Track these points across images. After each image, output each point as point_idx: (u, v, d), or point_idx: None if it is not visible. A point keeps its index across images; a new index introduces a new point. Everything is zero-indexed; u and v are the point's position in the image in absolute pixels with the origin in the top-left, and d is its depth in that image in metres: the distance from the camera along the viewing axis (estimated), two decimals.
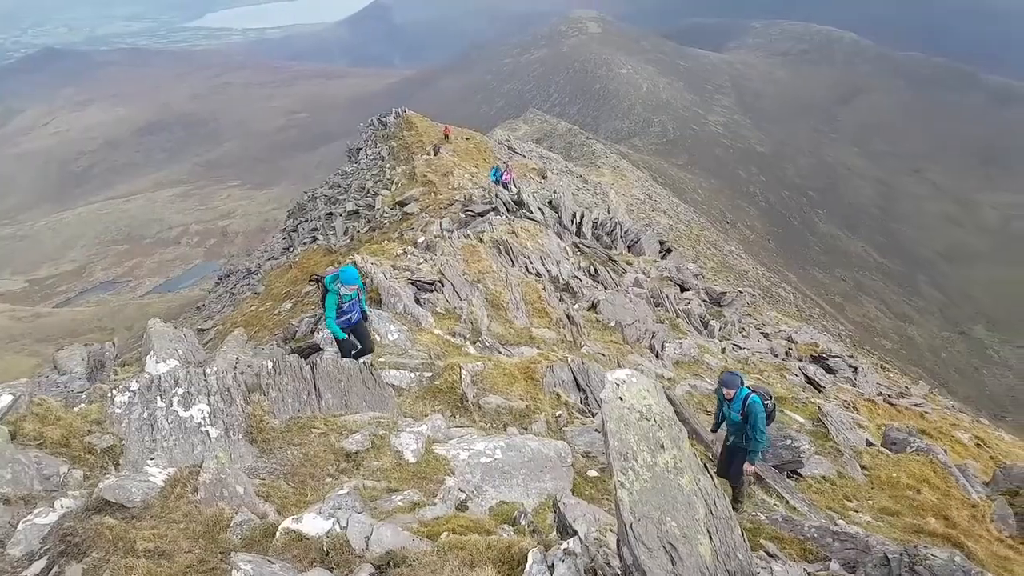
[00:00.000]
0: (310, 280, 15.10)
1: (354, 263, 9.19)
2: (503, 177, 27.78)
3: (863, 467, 11.40)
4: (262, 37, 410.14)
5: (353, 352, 9.39)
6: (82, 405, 6.74)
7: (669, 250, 29.68)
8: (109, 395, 6.30)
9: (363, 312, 9.54)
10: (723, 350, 18.58)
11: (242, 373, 7.29)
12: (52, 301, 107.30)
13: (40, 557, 4.36)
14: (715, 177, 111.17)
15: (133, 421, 6.06)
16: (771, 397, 8.40)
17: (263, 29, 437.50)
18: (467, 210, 25.20)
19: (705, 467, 4.09)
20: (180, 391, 6.35)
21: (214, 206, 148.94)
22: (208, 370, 6.77)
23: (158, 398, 6.26)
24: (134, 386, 6.28)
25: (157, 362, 7.62)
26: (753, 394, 7.91)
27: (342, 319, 9.09)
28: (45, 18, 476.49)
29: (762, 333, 23.52)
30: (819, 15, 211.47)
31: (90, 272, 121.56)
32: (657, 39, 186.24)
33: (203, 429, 6.31)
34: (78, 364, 8.13)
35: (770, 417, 8.17)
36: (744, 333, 22.12)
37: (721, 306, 23.74)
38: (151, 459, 5.43)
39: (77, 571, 4.01)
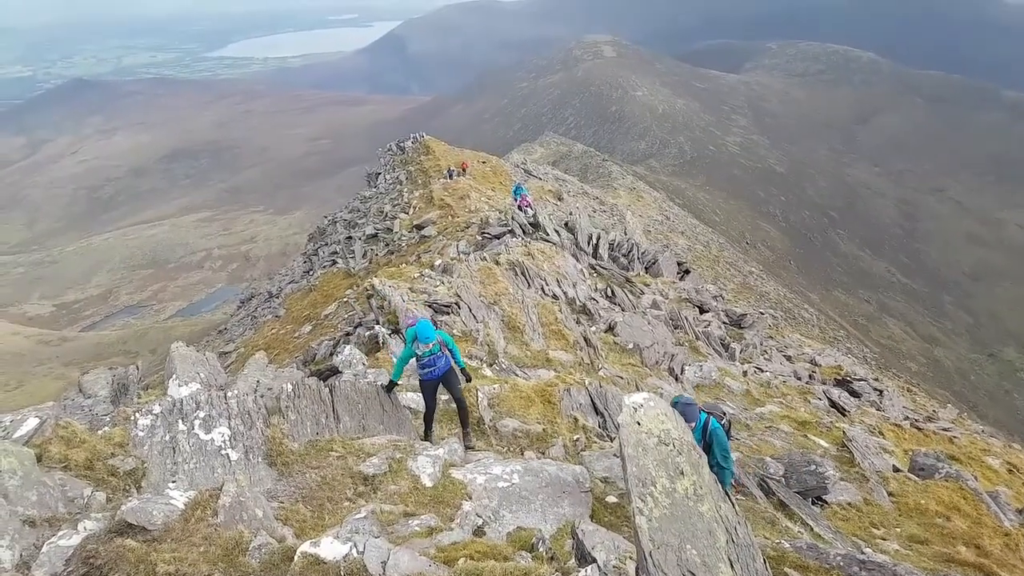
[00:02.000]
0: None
1: (427, 318, 8.10)
2: (519, 201, 27.88)
3: (890, 493, 11.13)
4: (283, 66, 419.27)
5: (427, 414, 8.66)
6: (106, 428, 6.83)
7: (687, 271, 29.50)
8: (132, 418, 6.38)
9: (454, 364, 8.41)
10: (744, 373, 18.35)
11: (262, 396, 7.36)
12: (78, 325, 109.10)
13: None
14: (733, 197, 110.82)
15: (155, 444, 6.13)
16: (725, 415, 8.03)
17: (284, 58, 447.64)
18: (484, 232, 25.34)
19: (726, 494, 4.03)
20: (201, 414, 6.42)
21: (237, 231, 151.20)
22: (229, 393, 6.84)
23: (180, 421, 6.33)
24: (156, 409, 6.36)
25: (179, 385, 7.71)
26: (711, 418, 7.45)
27: (424, 372, 8.29)
28: (74, 50, 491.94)
29: (784, 356, 23.21)
30: (836, 35, 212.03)
31: (115, 296, 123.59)
32: (672, 61, 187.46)
33: (223, 452, 6.37)
34: (103, 387, 8.25)
35: (727, 434, 7.81)
36: (766, 356, 21.85)
37: (742, 328, 23.49)
38: (172, 482, 5.48)
39: None
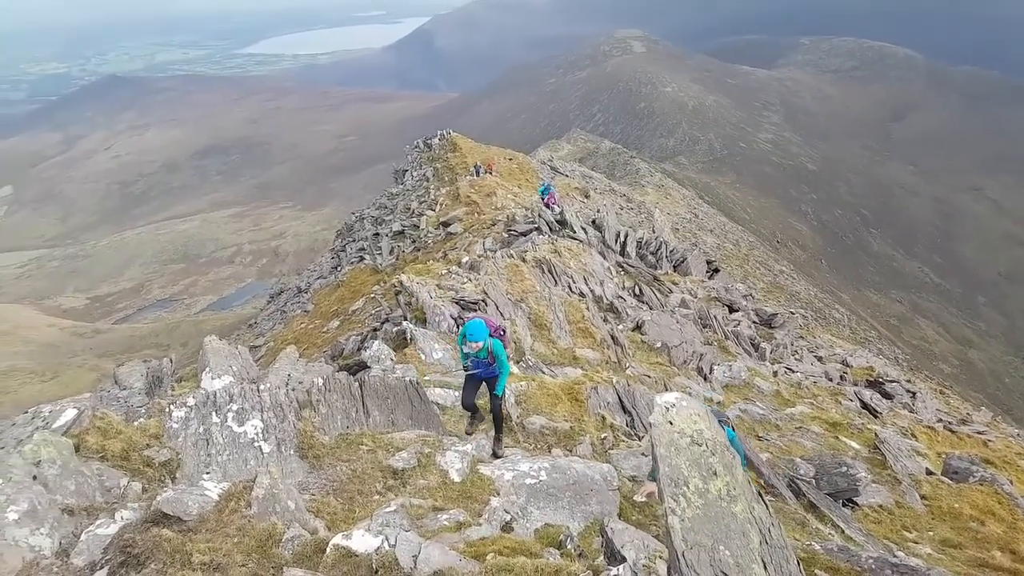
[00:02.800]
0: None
1: (480, 318, 7.51)
2: (547, 199, 27.77)
3: (923, 497, 10.92)
4: (312, 63, 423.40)
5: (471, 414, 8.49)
6: (141, 420, 6.96)
7: (717, 270, 29.16)
8: (167, 410, 6.50)
9: (499, 370, 7.95)
10: (775, 373, 18.12)
11: (293, 390, 7.44)
12: (112, 318, 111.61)
13: (101, 567, 4.50)
14: (764, 195, 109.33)
15: (189, 436, 6.24)
16: (728, 420, 7.99)
17: (313, 55, 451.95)
18: (510, 230, 25.33)
19: (759, 495, 3.98)
20: (235, 407, 6.52)
21: (267, 227, 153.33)
22: (261, 386, 6.94)
23: (213, 413, 6.43)
24: (191, 402, 6.48)
25: (212, 378, 7.83)
26: (726, 426, 7.34)
27: (468, 366, 8.16)
28: (108, 47, 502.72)
29: (815, 356, 22.86)
30: (870, 31, 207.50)
31: (148, 290, 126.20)
32: (703, 57, 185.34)
33: (256, 444, 6.46)
34: (138, 379, 8.42)
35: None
36: (797, 356, 21.54)
37: (772, 328, 23.18)
38: (206, 473, 5.58)
39: None
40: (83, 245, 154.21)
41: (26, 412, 6.56)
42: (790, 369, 19.32)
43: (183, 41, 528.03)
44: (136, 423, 6.74)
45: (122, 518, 4.97)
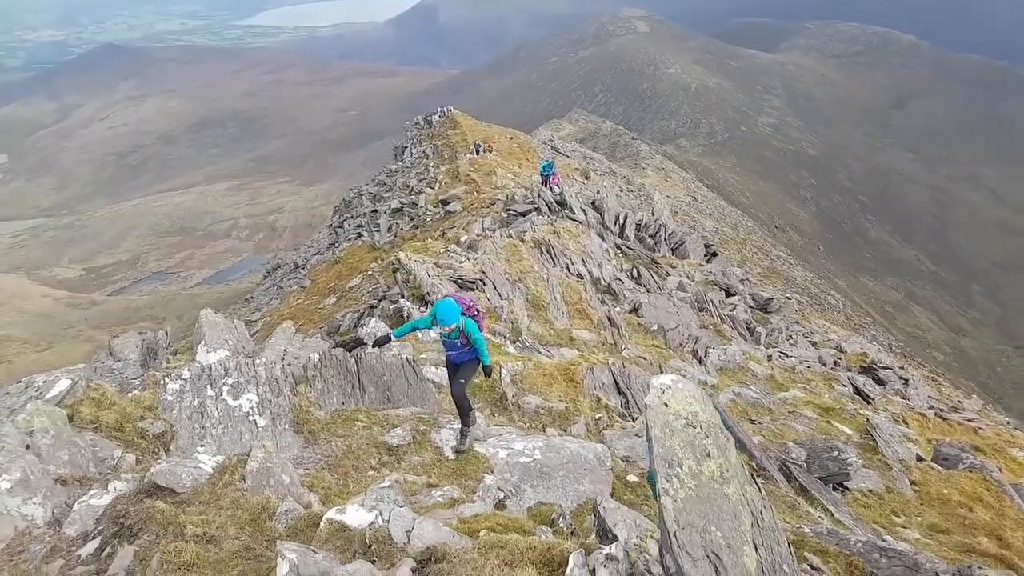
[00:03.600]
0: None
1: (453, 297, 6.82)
2: (551, 179, 27.50)
3: (912, 482, 11.01)
4: (312, 35, 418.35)
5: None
6: (136, 391, 6.96)
7: (715, 254, 29.15)
8: (162, 383, 6.49)
9: (477, 357, 7.24)
10: (769, 358, 18.18)
11: (289, 365, 7.44)
12: (107, 289, 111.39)
13: (94, 537, 4.51)
14: (764, 180, 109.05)
15: (184, 408, 6.23)
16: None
17: (314, 28, 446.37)
18: (509, 209, 25.24)
19: (752, 477, 3.99)
20: (230, 380, 6.51)
21: (264, 201, 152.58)
22: (257, 361, 6.93)
23: (208, 387, 6.42)
24: (186, 374, 6.47)
25: (208, 352, 7.81)
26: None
27: (446, 350, 7.47)
28: (106, 15, 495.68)
29: (810, 341, 22.94)
30: (875, 16, 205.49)
31: (144, 262, 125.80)
32: (707, 39, 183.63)
33: (251, 418, 6.47)
34: (132, 351, 8.40)
35: None
36: (791, 341, 21.61)
37: (768, 312, 23.23)
38: (201, 446, 5.59)
39: (128, 553, 4.13)
40: (79, 216, 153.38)
41: (19, 382, 6.54)
42: (784, 354, 19.38)
43: (182, 11, 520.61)
44: (130, 395, 6.73)
45: (115, 489, 4.98)
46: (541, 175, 27.87)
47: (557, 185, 26.94)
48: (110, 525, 4.50)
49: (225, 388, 6.43)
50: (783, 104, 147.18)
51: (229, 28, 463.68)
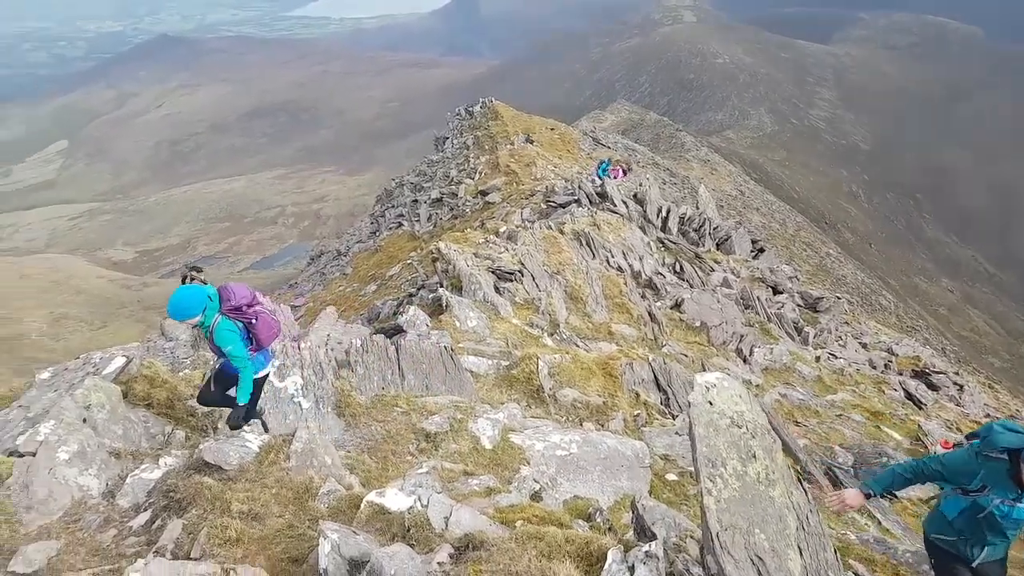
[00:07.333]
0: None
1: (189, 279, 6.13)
2: (613, 174, 27.26)
3: None
4: (359, 27, 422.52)
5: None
6: (186, 371, 7.18)
7: (762, 250, 28.48)
8: (211, 363, 6.66)
9: (222, 366, 5.44)
10: (817, 359, 17.73)
11: (332, 349, 7.57)
12: (158, 272, 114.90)
13: (145, 510, 4.67)
14: (814, 174, 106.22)
15: None
16: None
17: (360, 19, 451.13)
18: (549, 201, 25.11)
19: (799, 480, 3.90)
20: (276, 363, 6.64)
21: (309, 189, 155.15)
22: (302, 345, 7.06)
23: None
24: None
25: None
26: None
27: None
28: (160, 6, 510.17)
29: (860, 343, 22.28)
30: (932, 6, 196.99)
31: (194, 247, 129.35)
32: (756, 29, 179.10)
33: (295, 400, 6.60)
34: (184, 332, 8.63)
35: None
36: (841, 342, 21.03)
37: (817, 312, 22.63)
38: (247, 426, 5.71)
39: (177, 526, 4.26)
40: (133, 200, 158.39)
41: (78, 358, 6.80)
42: (833, 355, 18.87)
43: (233, 2, 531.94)
44: (181, 374, 6.94)
45: (166, 464, 5.14)
46: (598, 177, 27.45)
47: (618, 178, 26.63)
48: (160, 499, 4.65)
49: (271, 370, 6.57)
50: (835, 97, 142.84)
51: (278, 19, 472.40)
